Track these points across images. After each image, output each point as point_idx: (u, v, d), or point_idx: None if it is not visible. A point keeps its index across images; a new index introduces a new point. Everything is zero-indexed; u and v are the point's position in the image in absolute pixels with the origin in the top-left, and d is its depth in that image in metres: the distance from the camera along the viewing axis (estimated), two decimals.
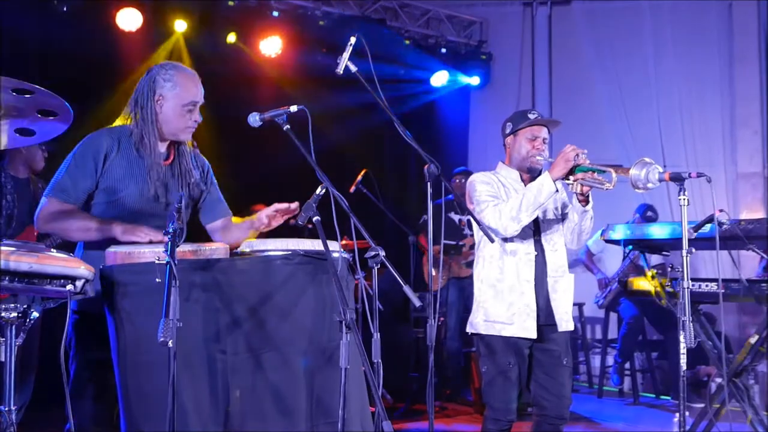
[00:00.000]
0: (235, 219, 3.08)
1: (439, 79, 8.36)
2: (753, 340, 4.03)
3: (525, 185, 3.31)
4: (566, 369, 3.29)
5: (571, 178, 3.09)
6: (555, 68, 8.42)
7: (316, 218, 2.38)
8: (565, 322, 3.29)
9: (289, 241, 2.54)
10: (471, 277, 3.50)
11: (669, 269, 4.12)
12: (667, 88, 7.79)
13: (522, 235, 3.23)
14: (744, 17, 7.56)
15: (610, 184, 2.95)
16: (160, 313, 1.99)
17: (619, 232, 4.20)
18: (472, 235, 5.63)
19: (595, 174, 3.02)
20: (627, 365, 6.71)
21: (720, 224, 3.58)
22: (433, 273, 6.16)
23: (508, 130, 3.41)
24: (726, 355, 3.95)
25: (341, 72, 2.80)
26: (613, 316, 6.87)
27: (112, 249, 2.42)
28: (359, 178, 5.49)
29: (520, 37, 8.59)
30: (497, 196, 3.26)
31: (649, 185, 2.88)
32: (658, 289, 4.20)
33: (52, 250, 2.13)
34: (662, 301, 4.19)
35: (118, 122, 2.82)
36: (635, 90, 7.92)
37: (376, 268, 2.40)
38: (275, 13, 7.17)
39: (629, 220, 6.53)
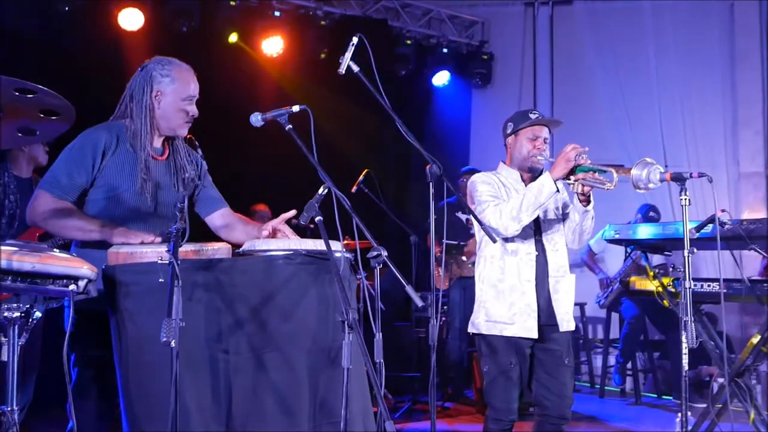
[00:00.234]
0: (241, 217, 3.08)
1: (441, 79, 8.37)
2: (755, 340, 4.02)
3: (526, 185, 3.31)
4: (568, 369, 3.28)
5: (572, 178, 3.08)
6: (556, 68, 8.42)
7: (318, 218, 2.38)
8: (566, 322, 3.29)
9: (291, 240, 2.55)
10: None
11: (671, 269, 4.12)
12: (668, 88, 7.78)
13: (523, 235, 3.23)
14: (746, 17, 7.55)
15: (612, 184, 2.95)
16: (162, 313, 1.99)
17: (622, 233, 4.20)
18: None
19: (596, 174, 3.02)
20: (629, 365, 6.71)
21: (722, 224, 3.57)
22: (440, 273, 6.19)
23: (509, 130, 3.41)
24: (728, 355, 3.95)
25: (343, 72, 2.80)
26: (615, 316, 6.86)
27: (114, 249, 2.42)
28: (361, 178, 5.49)
29: (522, 38, 8.59)
30: (498, 196, 3.26)
31: (651, 185, 2.87)
32: (660, 289, 4.20)
33: (54, 250, 2.13)
34: (664, 301, 4.19)
35: (113, 118, 2.81)
36: (636, 90, 7.91)
37: (378, 267, 2.40)
38: (277, 13, 7.18)
39: (631, 220, 6.52)
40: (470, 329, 3.38)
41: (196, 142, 2.97)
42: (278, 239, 2.64)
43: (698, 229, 3.61)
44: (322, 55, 7.25)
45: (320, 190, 2.45)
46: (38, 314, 2.20)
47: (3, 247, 1.97)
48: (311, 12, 7.41)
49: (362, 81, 2.77)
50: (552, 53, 8.45)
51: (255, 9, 7.08)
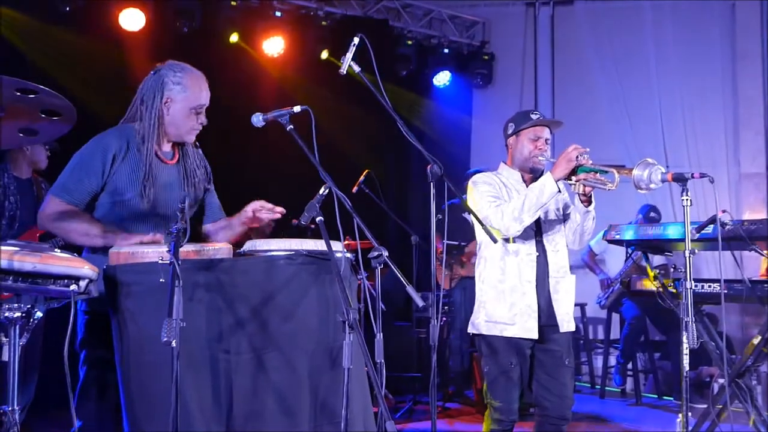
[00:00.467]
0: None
1: (442, 79, 8.37)
2: (756, 341, 4.02)
3: (527, 186, 3.31)
4: (568, 369, 3.28)
5: (574, 178, 3.08)
6: (557, 68, 8.42)
7: (319, 218, 2.38)
8: (566, 322, 3.29)
9: (292, 241, 2.54)
10: None
11: (672, 270, 4.11)
12: (669, 89, 7.78)
13: (524, 236, 3.23)
14: (746, 17, 7.55)
15: (613, 184, 2.95)
16: (163, 313, 1.99)
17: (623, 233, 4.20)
18: None
19: (598, 174, 3.02)
20: (629, 366, 6.70)
21: (723, 225, 3.57)
22: (445, 273, 6.18)
23: (510, 131, 3.41)
24: (728, 355, 3.95)
25: (344, 72, 2.80)
26: (616, 316, 6.86)
27: (115, 249, 2.42)
28: (362, 178, 5.49)
29: (523, 38, 8.59)
30: (499, 197, 3.26)
31: (652, 186, 2.87)
32: (661, 289, 4.20)
33: (55, 250, 2.13)
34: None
35: (123, 122, 2.82)
36: (637, 90, 7.91)
37: (379, 268, 2.40)
38: (278, 14, 7.18)
39: (632, 220, 6.52)
40: (470, 329, 3.38)
41: (197, 142, 2.97)
42: (279, 240, 2.64)
43: (699, 229, 3.61)
44: (323, 56, 7.26)
45: (321, 191, 2.45)
46: (39, 314, 2.20)
47: (4, 248, 1.97)
48: (312, 12, 7.42)
49: (363, 81, 2.77)
50: (553, 53, 8.44)
51: (256, 9, 7.09)
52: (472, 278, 3.48)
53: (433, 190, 2.70)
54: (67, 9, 5.98)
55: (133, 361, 2.30)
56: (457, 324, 6.27)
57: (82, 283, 2.13)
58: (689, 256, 2.96)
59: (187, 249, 2.36)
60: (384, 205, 5.38)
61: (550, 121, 3.40)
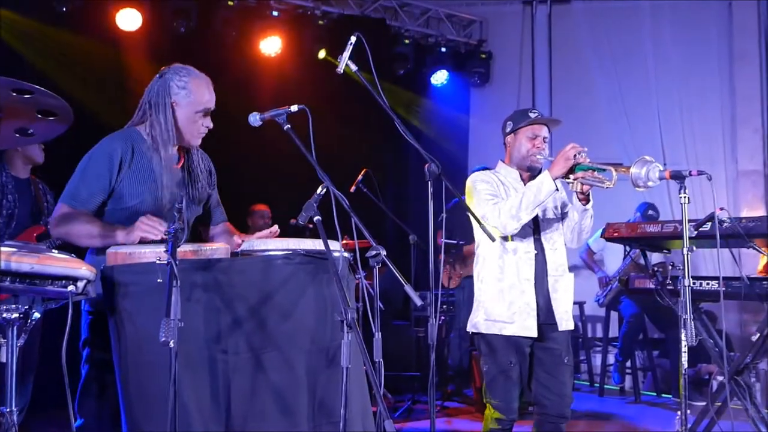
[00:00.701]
0: (230, 225, 3.09)
1: (439, 78, 8.37)
2: (755, 338, 4.02)
3: (525, 184, 3.31)
4: (567, 368, 3.28)
5: (571, 176, 3.08)
6: (555, 67, 8.42)
7: (317, 218, 2.37)
8: (565, 321, 3.29)
9: (289, 240, 2.54)
10: None
11: (670, 267, 4.11)
12: (667, 87, 7.79)
13: (522, 234, 3.23)
14: (744, 16, 7.56)
15: (611, 182, 2.95)
16: (161, 313, 1.99)
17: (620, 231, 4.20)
18: None
19: (596, 172, 3.02)
20: (628, 364, 6.71)
21: (721, 222, 3.57)
22: (449, 271, 6.19)
23: (508, 129, 3.41)
24: (727, 353, 3.95)
25: (341, 71, 2.80)
26: (614, 314, 6.86)
27: (112, 249, 2.41)
28: (360, 177, 5.48)
29: (520, 36, 8.59)
30: (497, 195, 3.27)
31: (650, 183, 2.87)
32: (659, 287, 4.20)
33: (53, 251, 2.13)
34: (663, 299, 4.19)
35: (129, 125, 2.82)
36: (635, 89, 7.92)
37: (377, 267, 2.39)
38: (275, 13, 7.17)
39: (630, 218, 6.52)
40: (469, 328, 3.38)
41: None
42: (276, 239, 2.63)
43: (697, 227, 3.61)
44: (321, 55, 7.25)
45: (319, 190, 2.44)
46: (37, 315, 2.19)
47: (1, 248, 1.97)
48: (309, 12, 7.41)
49: (361, 81, 2.77)
50: (550, 52, 8.44)
51: (253, 9, 7.08)
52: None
53: (431, 189, 2.69)
54: (64, 9, 5.97)
55: (132, 362, 2.29)
56: (458, 323, 6.28)
57: (80, 284, 2.12)
58: (687, 254, 2.96)
59: (185, 249, 2.35)
60: (382, 204, 5.38)
61: (548, 119, 3.40)
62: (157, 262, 2.15)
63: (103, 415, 2.53)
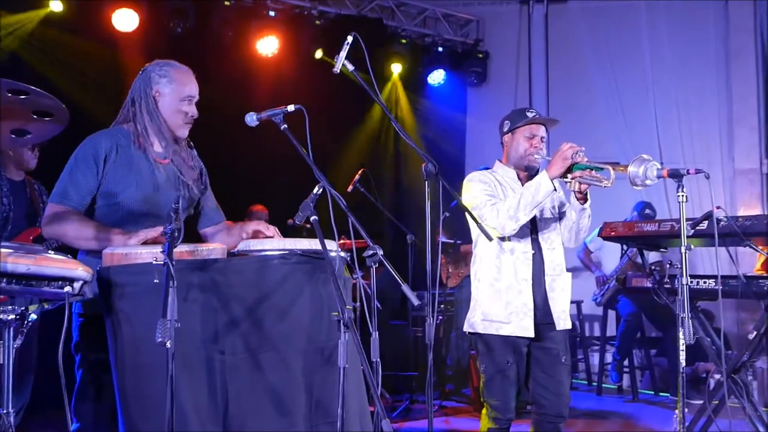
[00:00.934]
0: (227, 223, 3.08)
1: (436, 77, 8.37)
2: (752, 336, 4.03)
3: (522, 184, 3.31)
4: (565, 367, 3.28)
5: (569, 176, 3.08)
6: (552, 66, 8.43)
7: (313, 218, 2.37)
8: (562, 320, 3.29)
9: (286, 240, 2.54)
10: None
11: (667, 266, 4.12)
12: (663, 86, 7.80)
13: (519, 234, 3.23)
14: (740, 15, 7.57)
15: (609, 181, 2.95)
16: (157, 314, 1.98)
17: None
18: None
19: (593, 172, 3.02)
20: (626, 362, 6.72)
21: (718, 221, 3.58)
22: (451, 270, 6.19)
23: (505, 128, 3.41)
24: (724, 351, 3.95)
25: (338, 71, 2.80)
26: (612, 313, 6.87)
27: (109, 250, 2.41)
28: (357, 177, 5.49)
29: (517, 36, 8.60)
30: (495, 195, 3.26)
31: (648, 182, 2.87)
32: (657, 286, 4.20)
33: (49, 252, 2.12)
34: (661, 298, 4.19)
35: (115, 124, 2.81)
36: (632, 88, 7.93)
37: (374, 267, 2.39)
38: (272, 13, 7.17)
39: (626, 217, 6.53)
40: (466, 328, 3.38)
41: (191, 143, 2.96)
42: (273, 239, 2.63)
43: (694, 225, 3.61)
44: (317, 55, 7.24)
45: (315, 190, 2.44)
46: (34, 316, 2.19)
47: None
48: (306, 12, 7.41)
49: (357, 80, 2.77)
50: (547, 51, 8.45)
51: (250, 9, 7.08)
52: None
53: (427, 189, 2.69)
54: (61, 9, 5.97)
55: (128, 362, 2.29)
56: (458, 322, 6.29)
57: (77, 285, 2.12)
58: (685, 252, 2.96)
59: (181, 249, 2.35)
60: (379, 204, 5.38)
61: (546, 119, 3.40)
62: (154, 262, 2.15)
63: (100, 418, 2.52)
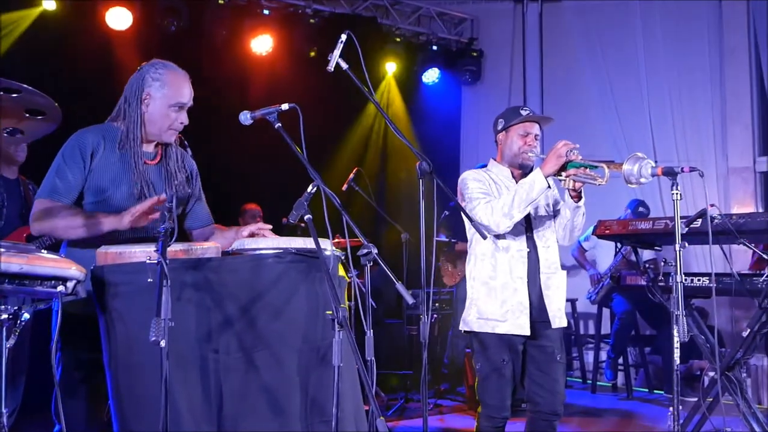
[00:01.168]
0: (218, 226, 3.06)
1: (431, 76, 8.37)
2: (746, 334, 4.04)
3: (516, 182, 3.31)
4: (560, 365, 3.29)
5: (563, 173, 3.08)
6: (546, 65, 8.44)
7: (307, 216, 2.37)
8: (558, 318, 3.29)
9: (280, 239, 2.53)
10: None
11: (662, 264, 4.12)
12: (657, 84, 7.81)
13: (514, 232, 3.23)
14: (734, 13, 7.59)
15: (603, 179, 2.95)
16: (151, 313, 1.98)
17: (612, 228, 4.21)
18: None
19: (588, 170, 3.02)
20: (620, 360, 6.73)
21: (712, 219, 3.58)
22: (450, 269, 6.19)
23: (499, 127, 3.40)
24: (718, 349, 3.96)
25: (332, 69, 2.79)
26: (606, 311, 6.89)
27: (102, 249, 2.40)
28: (351, 176, 5.48)
29: (511, 34, 8.61)
30: (489, 193, 3.26)
31: (642, 180, 2.88)
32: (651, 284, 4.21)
33: (42, 251, 2.11)
34: (655, 296, 4.20)
35: (108, 120, 2.80)
36: (626, 86, 7.94)
37: (368, 265, 2.39)
38: (266, 12, 7.16)
39: (620, 215, 6.54)
40: (462, 327, 3.38)
41: (186, 142, 2.95)
42: (267, 238, 2.62)
43: (688, 223, 3.62)
44: (312, 54, 7.24)
45: (309, 188, 2.43)
46: (26, 316, 2.18)
47: None
48: (300, 10, 7.40)
49: (351, 78, 2.76)
50: (541, 50, 8.47)
51: (244, 7, 7.07)
52: None
53: (421, 187, 2.69)
54: (54, 8, 5.94)
55: (122, 362, 2.28)
56: (458, 321, 6.29)
57: (70, 284, 2.11)
58: (679, 250, 2.97)
59: (176, 248, 2.34)
60: (374, 202, 5.38)
61: (539, 117, 3.40)
62: (148, 261, 2.14)
63: (86, 418, 2.51)
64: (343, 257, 2.58)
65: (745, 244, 3.80)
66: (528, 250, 3.26)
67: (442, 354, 6.69)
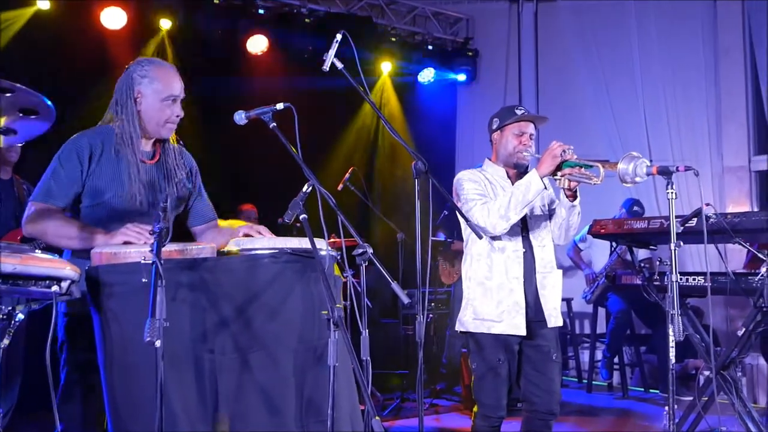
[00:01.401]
0: (220, 222, 3.05)
1: (426, 75, 8.37)
2: (741, 333, 4.04)
3: (512, 182, 3.31)
4: (555, 364, 3.29)
5: (559, 173, 3.09)
6: (541, 65, 8.45)
7: (303, 216, 2.36)
8: (554, 318, 3.29)
9: (276, 239, 2.53)
10: None
11: (657, 263, 4.13)
12: (652, 84, 7.82)
13: (510, 232, 3.23)
14: (728, 12, 7.59)
15: (598, 179, 2.95)
16: (146, 313, 1.97)
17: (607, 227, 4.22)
18: None
19: (583, 169, 3.03)
20: (616, 360, 6.74)
21: (707, 218, 3.59)
22: (448, 268, 6.19)
23: (494, 126, 3.40)
24: (714, 348, 3.97)
25: (327, 69, 2.79)
26: (602, 311, 6.90)
27: (97, 249, 2.39)
28: (347, 175, 5.48)
29: (507, 34, 8.61)
30: (485, 194, 3.26)
31: (637, 179, 2.88)
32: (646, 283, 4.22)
33: (37, 251, 2.11)
34: (650, 295, 4.20)
35: (101, 124, 2.79)
36: (621, 85, 7.95)
37: (363, 265, 2.39)
38: (261, 11, 7.14)
39: (615, 215, 6.55)
40: (458, 327, 3.38)
41: (181, 142, 2.94)
42: (263, 238, 2.62)
43: (683, 222, 3.62)
44: (307, 54, 7.24)
45: (305, 188, 2.43)
46: (21, 316, 2.17)
47: None
48: (295, 10, 7.39)
49: (347, 78, 2.76)
50: (537, 50, 8.47)
51: (239, 7, 7.05)
52: None
53: (417, 187, 2.69)
54: (48, 7, 5.93)
55: (117, 362, 2.27)
56: (455, 320, 6.30)
57: (64, 285, 2.10)
58: (674, 249, 2.97)
59: (171, 248, 2.33)
60: (369, 202, 5.38)
61: (534, 116, 3.40)
62: (142, 261, 2.13)
63: (86, 419, 2.50)
64: (338, 257, 2.58)
65: (740, 243, 3.80)
66: (524, 249, 3.27)
67: (438, 354, 6.69)
